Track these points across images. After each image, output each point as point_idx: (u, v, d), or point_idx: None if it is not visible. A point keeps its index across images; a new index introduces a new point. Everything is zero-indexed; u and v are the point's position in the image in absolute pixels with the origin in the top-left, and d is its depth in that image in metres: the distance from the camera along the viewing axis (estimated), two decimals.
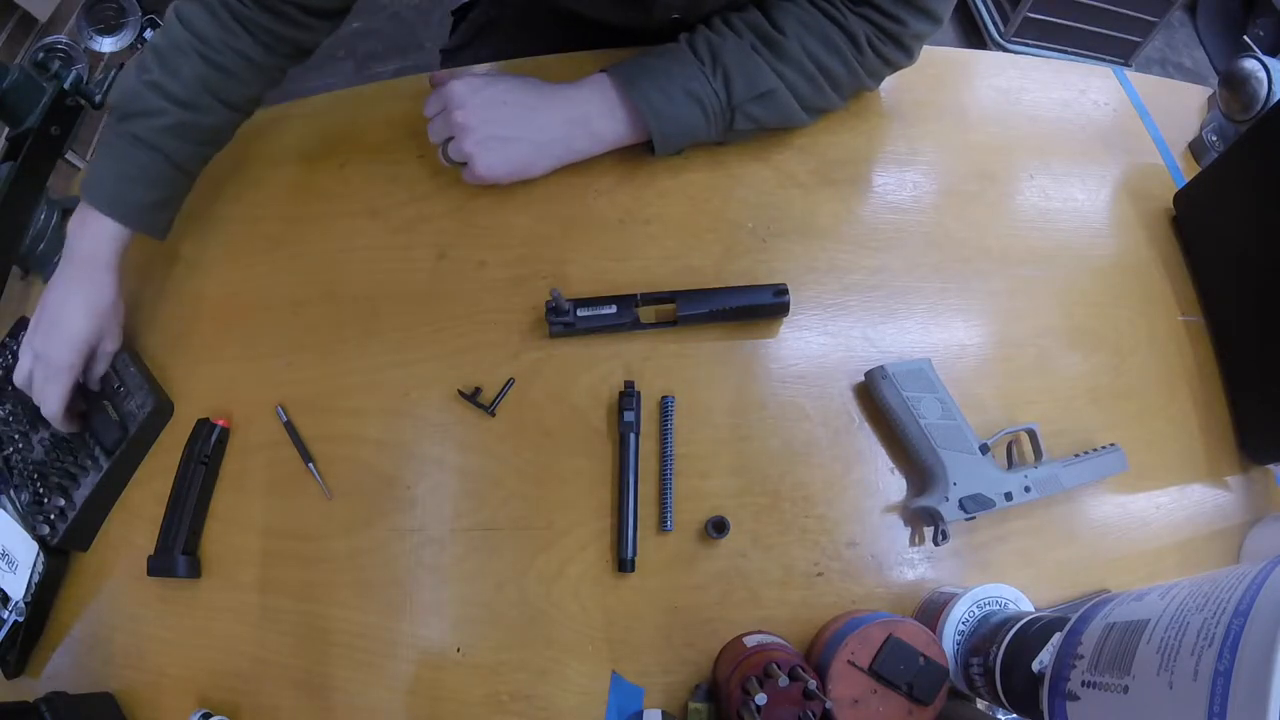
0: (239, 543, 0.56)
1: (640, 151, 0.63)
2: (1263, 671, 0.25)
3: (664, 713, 0.48)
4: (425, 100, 0.60)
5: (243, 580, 0.55)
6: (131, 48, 1.09)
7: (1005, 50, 1.88)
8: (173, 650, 0.55)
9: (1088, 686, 0.34)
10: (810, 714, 0.41)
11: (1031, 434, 0.54)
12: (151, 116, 0.57)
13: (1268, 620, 0.26)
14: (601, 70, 0.60)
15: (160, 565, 0.55)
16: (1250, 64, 0.61)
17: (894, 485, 0.54)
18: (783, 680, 0.41)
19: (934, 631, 0.46)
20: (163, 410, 0.60)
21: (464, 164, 0.60)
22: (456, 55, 0.85)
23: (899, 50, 0.59)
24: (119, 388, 0.60)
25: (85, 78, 0.68)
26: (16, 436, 0.61)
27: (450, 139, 0.59)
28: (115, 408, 0.60)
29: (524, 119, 0.59)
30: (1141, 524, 0.55)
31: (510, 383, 0.57)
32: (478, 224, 0.63)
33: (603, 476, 0.55)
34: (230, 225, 0.67)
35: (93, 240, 0.57)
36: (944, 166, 0.64)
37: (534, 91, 0.59)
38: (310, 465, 0.57)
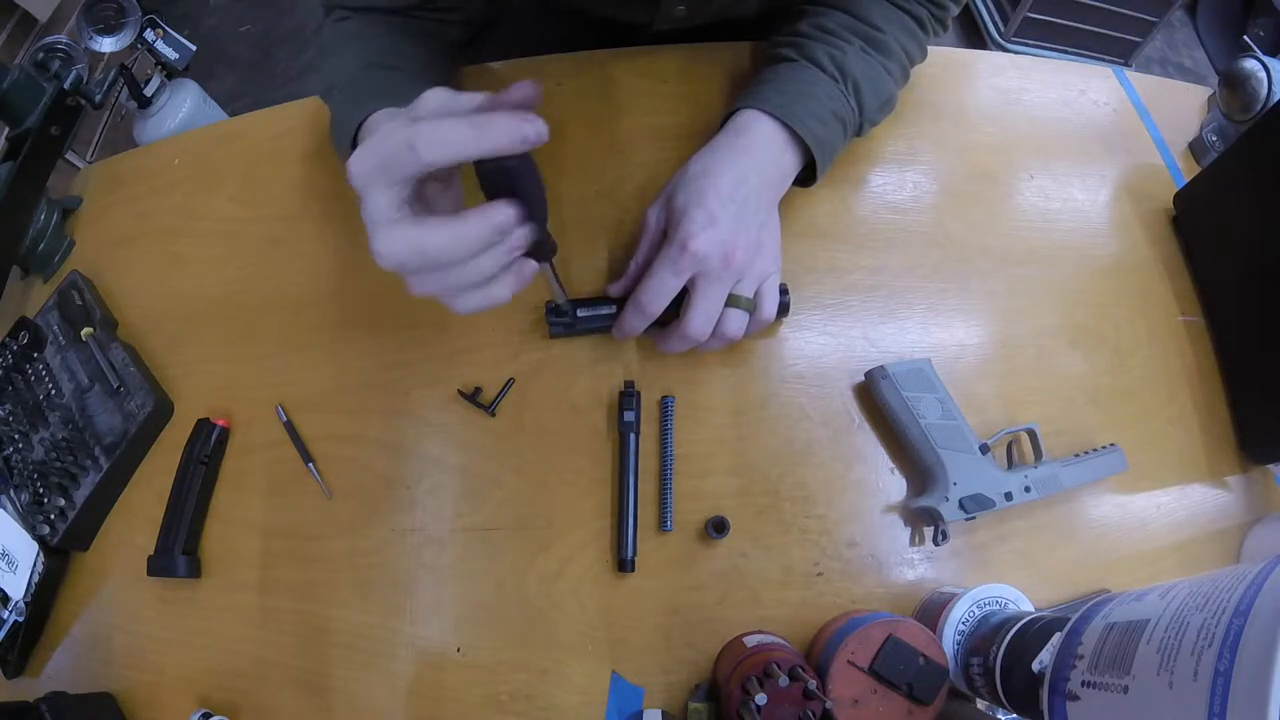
0: (239, 543, 0.56)
1: (639, 150, 0.63)
2: (1263, 671, 0.25)
3: (664, 713, 0.48)
4: (649, 283, 0.50)
5: (243, 580, 0.55)
6: (131, 47, 1.09)
7: (1005, 50, 1.88)
8: (173, 650, 0.55)
9: (1088, 686, 0.34)
10: (810, 714, 0.40)
11: (1031, 434, 0.54)
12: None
13: (1268, 620, 0.26)
14: (746, 108, 0.53)
15: (160, 565, 0.55)
16: (1250, 64, 0.61)
17: (894, 485, 0.54)
18: (783, 680, 0.41)
19: (934, 631, 0.46)
20: (163, 410, 0.60)
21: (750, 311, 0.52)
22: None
23: (941, 29, 0.60)
24: (119, 388, 0.60)
25: (85, 78, 0.68)
26: (16, 436, 0.61)
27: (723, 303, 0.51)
28: (116, 407, 0.60)
29: (761, 217, 0.52)
30: (1141, 524, 0.55)
31: (510, 383, 0.57)
32: None
33: (603, 476, 0.55)
34: (230, 225, 0.67)
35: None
36: (944, 166, 0.64)
37: (744, 186, 0.51)
38: (310, 465, 0.57)
